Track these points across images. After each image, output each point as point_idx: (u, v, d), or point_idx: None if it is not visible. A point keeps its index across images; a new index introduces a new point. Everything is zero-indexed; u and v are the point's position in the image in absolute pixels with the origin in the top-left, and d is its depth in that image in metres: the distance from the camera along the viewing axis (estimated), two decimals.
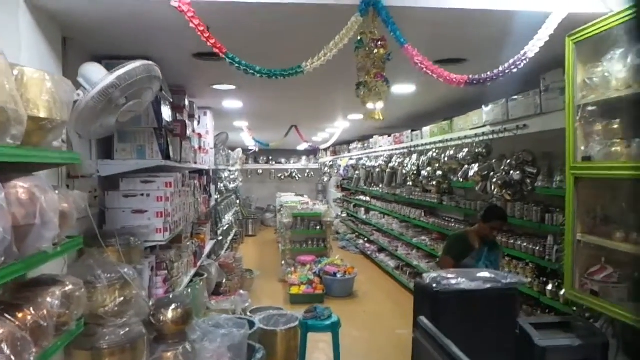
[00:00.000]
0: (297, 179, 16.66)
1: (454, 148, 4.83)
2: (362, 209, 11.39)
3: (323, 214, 8.46)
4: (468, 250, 3.42)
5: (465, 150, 4.53)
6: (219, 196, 6.92)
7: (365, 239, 10.98)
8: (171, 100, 3.63)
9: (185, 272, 4.21)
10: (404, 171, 6.29)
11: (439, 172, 5.28)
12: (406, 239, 7.87)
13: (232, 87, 4.46)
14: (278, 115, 7.09)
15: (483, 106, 4.25)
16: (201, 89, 4.54)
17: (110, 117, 2.26)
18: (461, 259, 3.34)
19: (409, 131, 6.65)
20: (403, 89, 4.47)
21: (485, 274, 2.37)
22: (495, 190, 3.83)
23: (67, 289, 1.97)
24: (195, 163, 4.79)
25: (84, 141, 2.97)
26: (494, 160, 4.13)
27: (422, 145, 6.02)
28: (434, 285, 2.30)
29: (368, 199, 10.88)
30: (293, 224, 8.45)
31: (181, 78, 4.04)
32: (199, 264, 4.86)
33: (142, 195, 3.17)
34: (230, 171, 9.74)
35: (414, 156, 6.10)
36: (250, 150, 15.78)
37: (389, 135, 7.70)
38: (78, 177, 2.75)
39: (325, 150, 14.72)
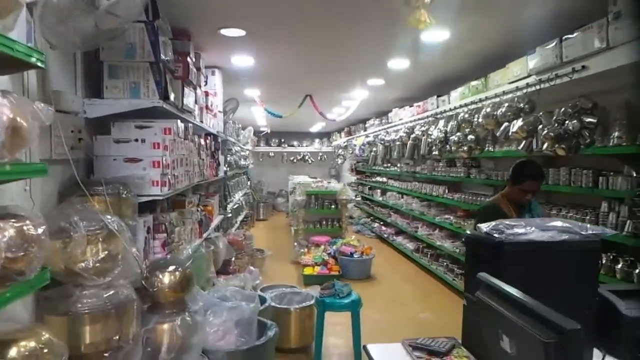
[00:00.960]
0: (310, 162, 16.16)
1: (490, 106, 4.28)
2: (378, 191, 10.87)
3: (338, 193, 7.97)
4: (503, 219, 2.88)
5: (505, 105, 3.99)
6: (228, 168, 6.45)
7: (382, 222, 10.48)
8: (171, 37, 3.14)
9: (188, 241, 3.76)
10: (429, 140, 5.75)
11: (471, 136, 4.74)
12: (428, 219, 7.34)
13: (242, 32, 3.96)
14: (292, 81, 6.58)
15: (528, 52, 3.70)
16: (208, 35, 4.05)
17: (84, 19, 1.77)
18: None
19: (434, 97, 6.10)
20: (437, 36, 3.94)
21: (559, 222, 1.85)
22: (546, 145, 3.29)
23: (25, 226, 1.50)
24: (202, 122, 4.33)
25: (67, 72, 2.51)
26: (541, 113, 3.58)
27: (451, 110, 5.47)
28: (496, 235, 1.79)
29: (384, 179, 10.35)
30: (307, 203, 7.99)
31: (185, 18, 3.55)
32: (205, 235, 4.41)
33: (137, 141, 2.71)
34: (241, 147, 9.27)
35: (441, 122, 5.56)
36: (262, 132, 15.35)
37: (411, 106, 7.14)
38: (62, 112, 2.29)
39: (339, 132, 14.19)
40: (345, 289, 4.23)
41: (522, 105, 3.85)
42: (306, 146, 16.26)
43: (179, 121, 3.03)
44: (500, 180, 5.18)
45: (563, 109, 3.21)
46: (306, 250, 7.40)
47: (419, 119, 6.60)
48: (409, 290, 6.42)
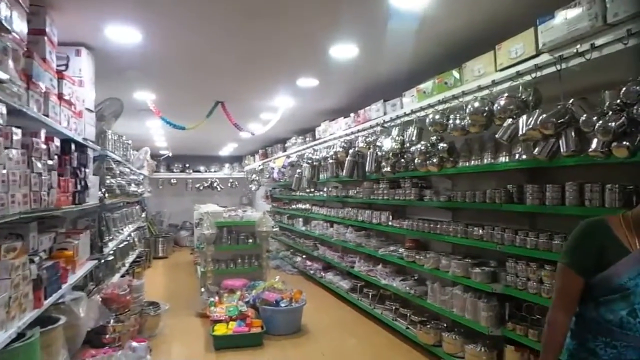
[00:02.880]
0: (219, 189, 14.37)
1: (477, 100, 3.18)
2: (300, 220, 9.51)
3: (257, 223, 6.45)
4: (614, 252, 1.60)
5: (504, 98, 2.89)
6: (106, 195, 4.65)
7: (305, 255, 9.09)
8: None
9: (5, 320, 2.04)
10: (378, 153, 4.56)
11: (442, 145, 3.62)
12: (367, 251, 6.11)
13: None
14: (198, 81, 5.07)
15: (539, 21, 2.65)
16: None
17: None
18: (598, 271, 1.61)
19: (379, 103, 4.97)
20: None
21: None
22: (595, 143, 2.19)
23: None
24: (47, 115, 2.65)
25: None
26: (571, 101, 2.51)
27: (406, 114, 4.35)
28: None
29: (308, 206, 9.03)
30: (217, 237, 6.36)
31: None
32: (49, 301, 2.66)
33: None
34: (131, 170, 7.37)
35: (395, 131, 4.40)
36: (163, 155, 13.31)
37: (346, 117, 5.97)
38: None
39: (253, 155, 12.70)
40: None
41: (525, 97, 2.78)
42: (214, 172, 14.46)
43: None
44: (464, 201, 4.12)
45: (624, 88, 2.14)
46: (217, 298, 5.73)
47: (359, 131, 5.42)
48: (353, 347, 5.04)
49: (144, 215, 10.35)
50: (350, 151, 5.37)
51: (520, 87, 2.85)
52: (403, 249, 5.30)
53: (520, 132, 2.66)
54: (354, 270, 6.46)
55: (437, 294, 4.44)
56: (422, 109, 4.04)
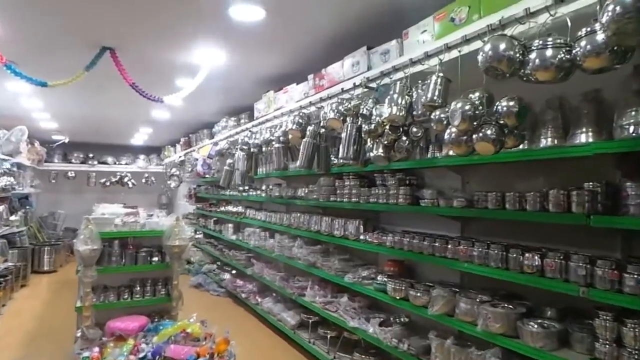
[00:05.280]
0: (131, 186, 11.88)
1: None
2: (230, 226, 7.53)
3: (167, 234, 4.44)
4: None
5: None
6: None
7: (236, 272, 7.15)
8: None
9: None
10: (363, 129, 2.80)
11: (509, 104, 1.95)
12: (325, 275, 4.34)
13: None
14: (73, 16, 3.05)
15: None
16: None
17: None
18: None
19: (359, 52, 3.22)
20: None
21: None
22: None
23: None
24: None
25: None
26: None
27: (412, 63, 2.62)
28: None
29: (241, 209, 7.08)
30: (105, 254, 4.28)
31: None
32: None
33: None
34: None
35: (396, 88, 2.64)
36: (56, 141, 10.66)
37: (298, 84, 4.18)
38: None
39: (174, 145, 10.47)
40: None
41: None
42: (126, 164, 11.95)
43: None
44: (499, 208, 2.51)
45: None
46: (97, 352, 3.66)
47: (322, 100, 3.64)
48: None
49: (17, 217, 7.80)
50: (310, 129, 3.57)
51: None
52: (382, 275, 3.60)
53: None
54: (304, 301, 4.66)
55: (453, 358, 2.77)
56: (447, 47, 2.34)
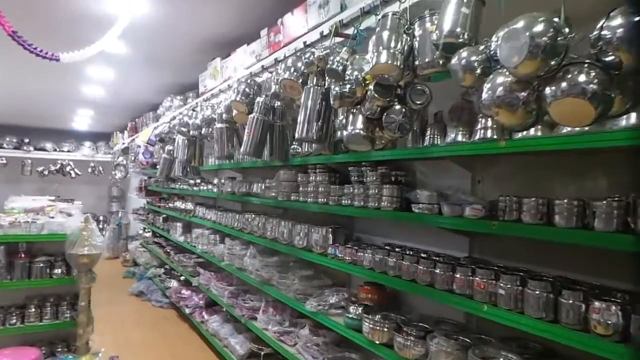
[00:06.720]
0: (73, 175, 10.53)
1: None
2: (179, 225, 6.43)
3: (71, 239, 3.33)
4: None
5: None
6: None
7: (183, 280, 6.06)
8: None
9: None
10: (336, 92, 1.80)
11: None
12: (282, 297, 3.33)
13: None
14: None
15: None
16: None
17: None
18: None
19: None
20: None
21: None
22: None
23: None
24: None
25: None
26: None
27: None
28: None
29: (190, 206, 5.97)
30: None
31: None
32: None
33: None
34: None
35: (385, 28, 1.66)
36: None
37: (248, 44, 3.15)
38: None
39: (122, 131, 9.22)
40: None
41: None
42: (68, 151, 10.59)
43: None
44: (520, 221, 1.58)
45: None
46: None
47: (278, 62, 2.62)
48: None
49: None
50: (258, 101, 2.55)
51: None
52: (355, 306, 2.62)
53: None
54: (255, 326, 3.64)
55: None
56: None
